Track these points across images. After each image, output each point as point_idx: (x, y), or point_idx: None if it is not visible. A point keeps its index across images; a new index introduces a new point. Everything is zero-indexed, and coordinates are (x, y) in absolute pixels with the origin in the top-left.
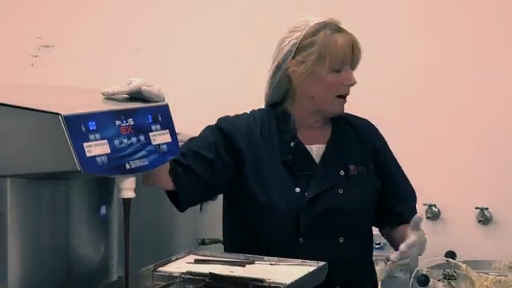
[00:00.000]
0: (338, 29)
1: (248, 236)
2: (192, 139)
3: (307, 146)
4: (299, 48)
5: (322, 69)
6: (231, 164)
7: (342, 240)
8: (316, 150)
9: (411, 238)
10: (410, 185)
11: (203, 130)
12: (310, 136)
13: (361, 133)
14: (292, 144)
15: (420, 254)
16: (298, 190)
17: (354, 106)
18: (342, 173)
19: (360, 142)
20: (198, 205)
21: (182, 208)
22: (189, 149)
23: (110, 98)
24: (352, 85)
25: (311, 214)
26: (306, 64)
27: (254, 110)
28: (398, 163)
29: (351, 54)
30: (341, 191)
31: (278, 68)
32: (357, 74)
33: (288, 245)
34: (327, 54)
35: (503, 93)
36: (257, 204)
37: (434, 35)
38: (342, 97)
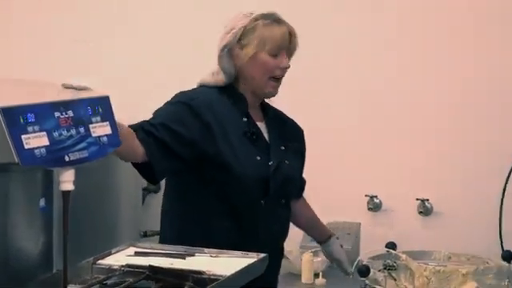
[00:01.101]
0: (276, 19)
1: (215, 205)
2: (155, 113)
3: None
4: (243, 34)
5: (262, 53)
6: (201, 137)
7: (283, 202)
8: (260, 126)
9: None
10: None
11: (165, 106)
12: (253, 113)
13: (282, 116)
14: (244, 119)
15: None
16: (258, 158)
17: (294, 97)
18: (282, 148)
19: (284, 123)
20: (140, 198)
21: (155, 179)
22: (159, 122)
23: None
24: (286, 68)
25: (276, 181)
26: (247, 47)
27: (199, 89)
28: None
29: (288, 42)
30: (287, 162)
31: (225, 52)
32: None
33: (254, 208)
34: (267, 40)
35: (439, 84)
36: (232, 172)
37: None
38: (276, 79)
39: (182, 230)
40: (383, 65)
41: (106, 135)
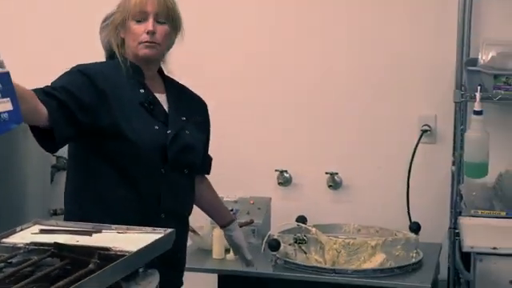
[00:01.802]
0: None
1: (114, 174)
2: (54, 81)
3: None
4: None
5: (129, 20)
6: (98, 104)
7: (186, 171)
8: (159, 97)
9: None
10: None
11: (63, 75)
12: (152, 85)
13: (185, 90)
14: (142, 91)
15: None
16: (156, 127)
17: (203, 70)
18: (183, 118)
19: (186, 97)
20: (49, 176)
21: (54, 146)
22: (60, 86)
23: None
24: (149, 32)
25: (174, 148)
26: (115, 16)
27: (102, 61)
28: None
29: (153, 7)
30: (187, 132)
31: (103, 25)
32: (197, 42)
33: (153, 175)
34: (130, 7)
35: (345, 59)
36: (127, 141)
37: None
38: (147, 43)
39: (82, 202)
40: (289, 41)
41: (7, 112)
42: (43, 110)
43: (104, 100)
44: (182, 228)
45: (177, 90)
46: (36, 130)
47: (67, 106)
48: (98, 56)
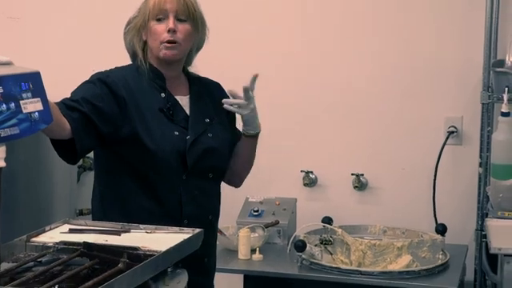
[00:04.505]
0: None
1: (134, 182)
2: (74, 92)
3: (175, 97)
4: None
5: (149, 21)
6: (118, 113)
7: (211, 176)
8: (181, 100)
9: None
10: None
11: (82, 85)
12: (175, 88)
13: (212, 90)
14: (162, 95)
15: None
16: (176, 133)
17: (233, 69)
18: (207, 120)
19: (211, 98)
20: (75, 176)
21: (75, 158)
22: (81, 97)
23: None
24: (169, 31)
25: (194, 154)
26: (137, 18)
27: (123, 66)
28: None
29: (173, 5)
30: (210, 135)
31: (127, 29)
32: (232, 39)
33: (174, 182)
34: (150, 6)
35: (371, 59)
36: (145, 148)
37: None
38: (169, 43)
39: (107, 210)
40: (316, 43)
41: (38, 111)
42: (66, 124)
43: (124, 108)
44: (208, 233)
45: (202, 90)
46: (56, 143)
47: (88, 117)
48: (118, 60)
